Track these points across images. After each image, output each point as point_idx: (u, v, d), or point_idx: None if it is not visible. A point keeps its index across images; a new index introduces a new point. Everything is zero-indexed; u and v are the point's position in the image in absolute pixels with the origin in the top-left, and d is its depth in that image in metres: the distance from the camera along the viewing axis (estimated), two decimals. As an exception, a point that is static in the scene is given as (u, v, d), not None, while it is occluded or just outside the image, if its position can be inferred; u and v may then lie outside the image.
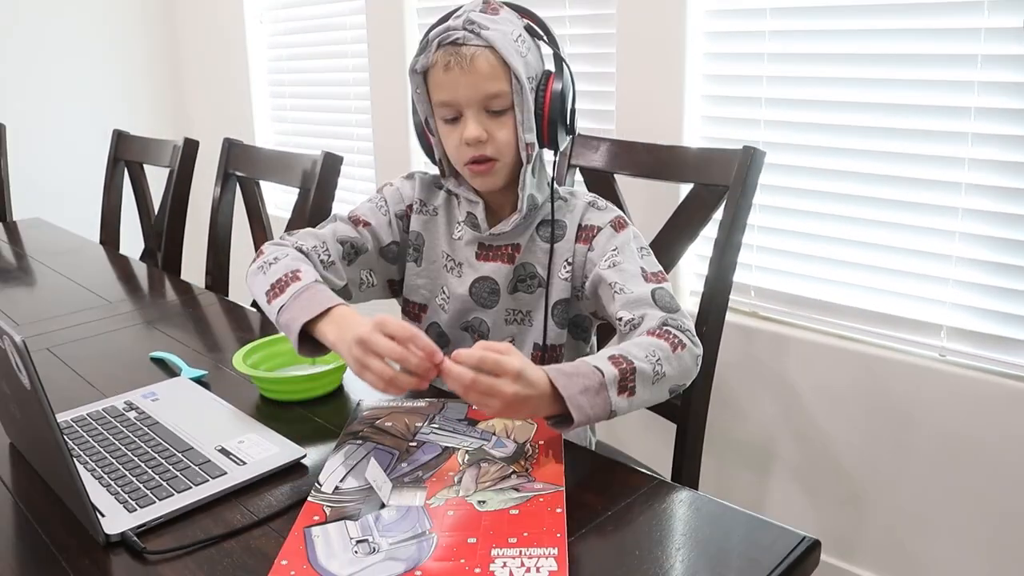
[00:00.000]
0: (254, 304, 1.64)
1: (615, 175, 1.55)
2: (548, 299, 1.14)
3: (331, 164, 1.43)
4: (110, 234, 2.14)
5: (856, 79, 1.51)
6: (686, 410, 1.37)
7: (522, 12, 1.13)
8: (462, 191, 1.15)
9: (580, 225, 1.15)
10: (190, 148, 1.82)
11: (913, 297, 1.53)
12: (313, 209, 1.43)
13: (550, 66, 1.13)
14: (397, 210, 1.20)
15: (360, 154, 2.63)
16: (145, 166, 2.06)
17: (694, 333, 1.01)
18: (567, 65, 1.12)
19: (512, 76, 1.05)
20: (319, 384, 1.07)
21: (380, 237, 1.18)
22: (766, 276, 1.72)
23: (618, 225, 1.13)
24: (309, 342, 0.98)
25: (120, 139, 2.10)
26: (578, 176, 1.64)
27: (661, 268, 1.11)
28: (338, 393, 1.10)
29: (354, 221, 1.17)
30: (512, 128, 1.08)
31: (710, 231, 1.36)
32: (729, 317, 1.37)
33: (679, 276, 1.83)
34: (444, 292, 1.18)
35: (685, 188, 1.76)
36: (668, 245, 1.41)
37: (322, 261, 1.10)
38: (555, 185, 1.16)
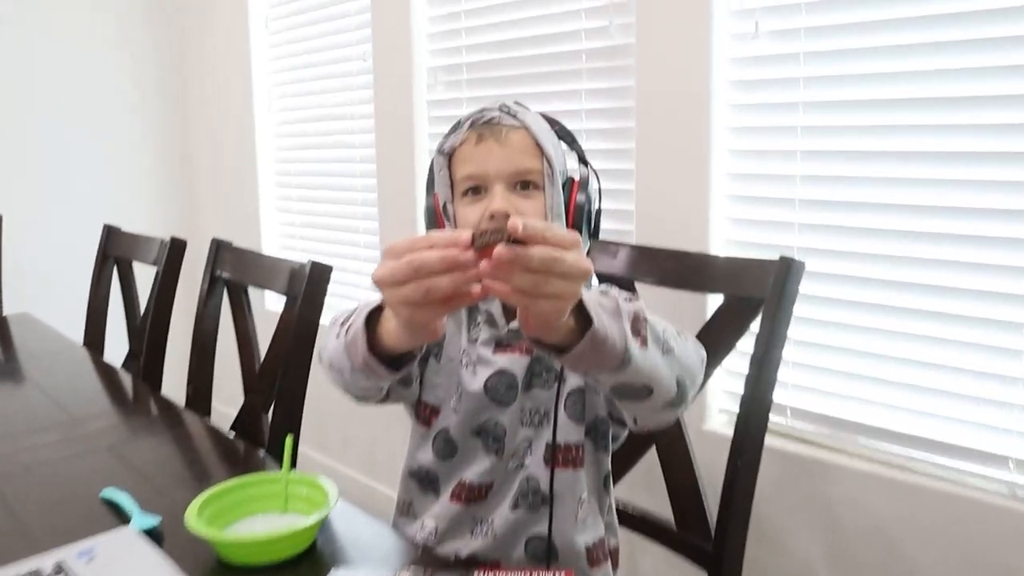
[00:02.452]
0: (235, 426, 1.49)
1: (636, 282, 1.41)
2: (561, 389, 1.04)
3: (318, 275, 1.29)
4: (95, 334, 2.01)
5: (901, 179, 1.37)
6: (719, 552, 1.20)
7: (549, 119, 1.09)
8: None
9: None
10: (177, 248, 1.70)
11: (975, 424, 1.35)
12: (299, 322, 1.29)
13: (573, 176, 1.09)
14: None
15: (366, 247, 2.51)
16: (135, 263, 1.94)
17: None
18: (594, 170, 1.08)
19: (544, 160, 1.01)
20: (286, 545, 0.90)
21: None
22: (803, 395, 1.55)
23: (628, 300, 1.06)
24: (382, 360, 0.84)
25: (110, 234, 1.99)
26: (594, 282, 1.50)
27: None
28: (310, 554, 0.93)
29: None
30: (541, 208, 1.01)
31: (741, 344, 1.22)
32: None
33: (708, 395, 1.66)
34: (457, 392, 1.06)
35: (712, 298, 1.61)
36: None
37: None
38: None
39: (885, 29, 1.36)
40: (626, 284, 1.41)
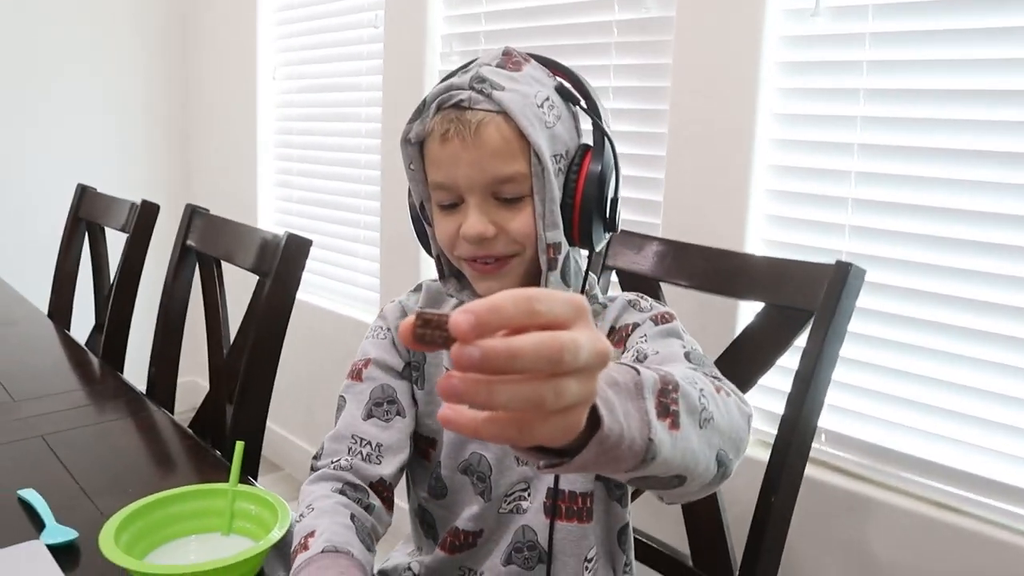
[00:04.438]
0: (196, 419, 1.32)
1: (661, 283, 1.24)
2: None
3: (295, 249, 1.11)
4: (62, 303, 1.84)
5: (972, 182, 1.19)
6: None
7: (554, 68, 0.86)
8: (466, 296, 0.87)
9: (613, 327, 0.86)
10: (148, 212, 1.52)
11: (1044, 467, 1.17)
12: (268, 304, 1.11)
13: (588, 139, 0.85)
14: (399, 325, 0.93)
15: (366, 228, 2.33)
16: (108, 229, 1.77)
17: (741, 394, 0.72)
18: (610, 140, 0.83)
19: (532, 154, 0.79)
20: (224, 576, 0.73)
21: (392, 366, 0.91)
22: (842, 418, 1.37)
23: (660, 319, 0.84)
24: None
25: (83, 195, 1.82)
26: (614, 279, 1.33)
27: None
28: (253, 588, 0.76)
29: (356, 373, 0.91)
30: (530, 220, 0.81)
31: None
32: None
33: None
34: None
35: (745, 306, 1.44)
36: (729, 378, 1.09)
37: (367, 457, 0.86)
38: (589, 289, 0.88)
39: (965, 10, 1.18)
40: (650, 284, 1.23)
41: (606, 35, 1.64)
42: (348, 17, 2.32)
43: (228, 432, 1.15)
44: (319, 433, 2.50)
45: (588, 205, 0.81)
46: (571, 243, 0.84)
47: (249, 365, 1.11)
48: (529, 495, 0.86)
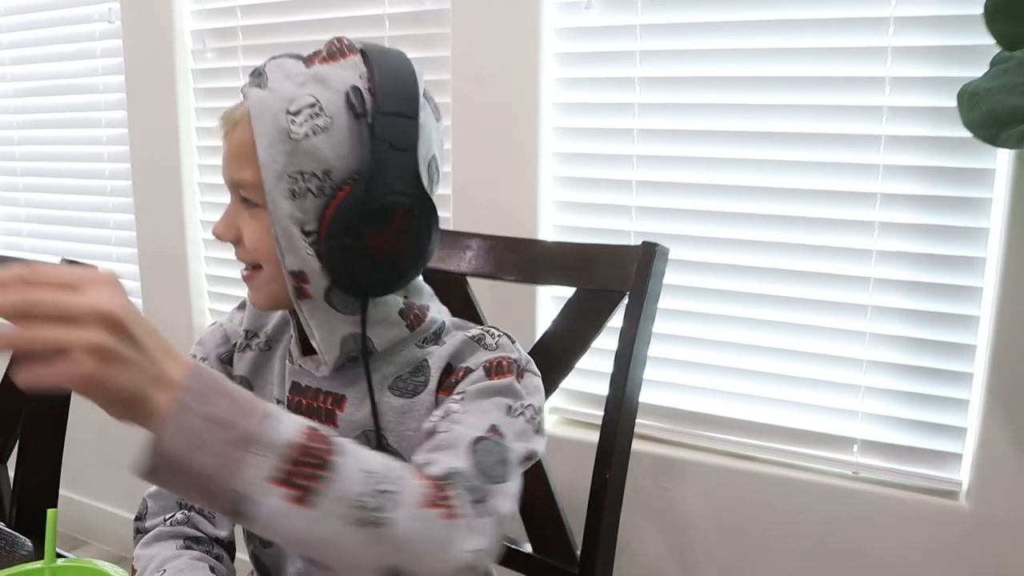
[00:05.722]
0: None
1: (469, 278, 1.23)
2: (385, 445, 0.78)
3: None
4: None
5: (747, 160, 1.31)
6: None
7: (370, 53, 0.75)
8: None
9: (451, 366, 0.77)
10: None
11: (820, 408, 1.32)
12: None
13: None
14: (221, 353, 0.85)
15: (118, 244, 2.11)
16: None
17: (503, 518, 0.64)
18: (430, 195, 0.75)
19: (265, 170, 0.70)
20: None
21: None
22: (646, 389, 1.45)
23: (495, 368, 0.75)
24: None
25: None
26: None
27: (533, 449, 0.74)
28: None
29: None
30: (262, 234, 0.73)
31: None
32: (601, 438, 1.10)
33: (557, 399, 1.51)
34: None
35: (544, 291, 1.48)
36: (547, 363, 1.11)
37: (200, 510, 0.80)
38: (411, 321, 0.78)
39: (726, 5, 1.28)
40: (458, 280, 1.22)
41: (378, 29, 1.60)
42: (71, 10, 2.07)
43: (8, 500, 0.98)
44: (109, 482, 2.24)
45: (332, 246, 0.69)
46: (335, 283, 0.71)
47: (32, 414, 0.95)
48: None
